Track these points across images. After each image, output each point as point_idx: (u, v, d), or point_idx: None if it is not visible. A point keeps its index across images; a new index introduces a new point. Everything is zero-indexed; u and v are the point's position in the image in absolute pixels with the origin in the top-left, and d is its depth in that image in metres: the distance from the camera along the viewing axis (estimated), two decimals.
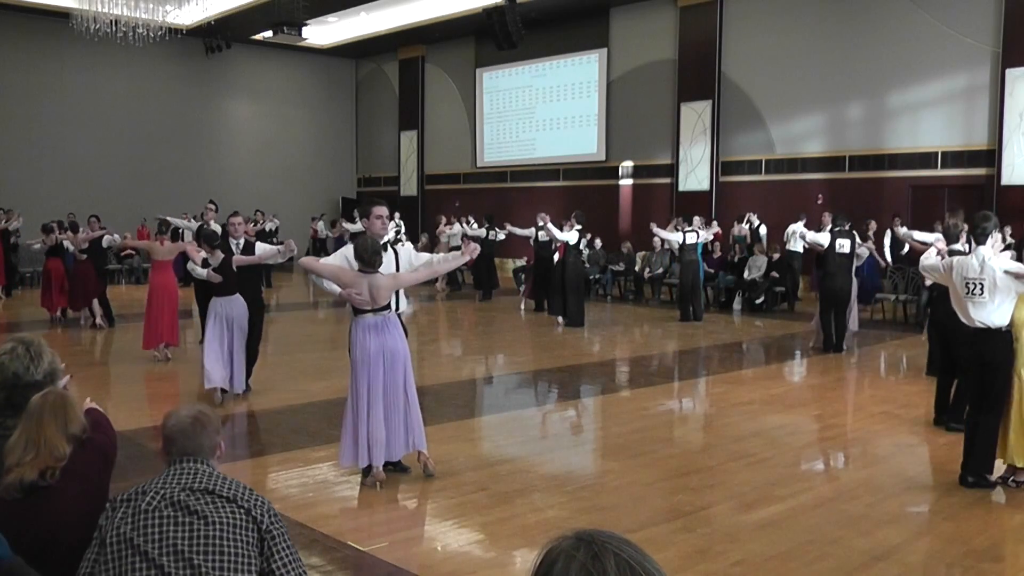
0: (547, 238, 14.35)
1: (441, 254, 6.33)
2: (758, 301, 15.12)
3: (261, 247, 8.48)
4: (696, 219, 14.41)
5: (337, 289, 5.43)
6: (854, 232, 10.84)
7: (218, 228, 12.35)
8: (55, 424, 2.59)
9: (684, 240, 13.70)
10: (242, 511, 2.37)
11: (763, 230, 17.07)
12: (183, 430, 2.49)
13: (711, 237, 14.99)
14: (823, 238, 10.83)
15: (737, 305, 15.66)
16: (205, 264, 7.99)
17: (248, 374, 8.24)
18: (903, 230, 11.03)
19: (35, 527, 2.46)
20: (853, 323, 11.24)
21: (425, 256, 6.04)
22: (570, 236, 13.30)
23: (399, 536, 4.74)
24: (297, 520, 4.73)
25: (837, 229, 10.79)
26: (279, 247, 8.33)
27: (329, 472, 5.82)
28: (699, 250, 14.14)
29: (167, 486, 2.39)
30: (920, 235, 10.34)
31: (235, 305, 7.96)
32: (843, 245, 10.57)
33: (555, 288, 13.86)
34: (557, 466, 6.04)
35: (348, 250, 5.55)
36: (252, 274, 8.40)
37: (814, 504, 5.18)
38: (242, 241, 8.34)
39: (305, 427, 7.01)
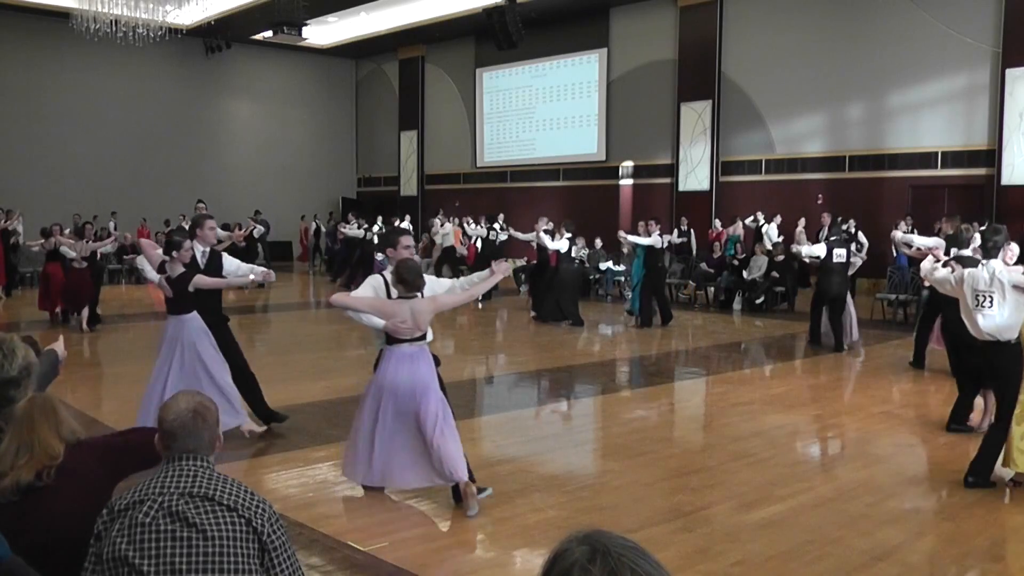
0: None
1: (464, 277, 5.73)
2: (758, 301, 15.12)
3: (231, 264, 6.88)
4: (651, 222, 13.96)
5: (379, 322, 5.00)
6: (849, 240, 11.03)
7: (219, 227, 12.38)
8: (47, 425, 2.54)
9: (662, 244, 13.57)
10: (242, 520, 2.31)
11: (766, 229, 17.03)
12: (183, 424, 2.39)
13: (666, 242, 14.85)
14: (819, 249, 11.03)
15: (737, 305, 15.65)
16: (163, 270, 6.45)
17: (260, 409, 6.86)
18: (899, 234, 11.03)
19: (33, 527, 2.44)
20: (854, 332, 11.22)
21: (446, 282, 5.63)
22: (561, 244, 13.44)
23: (399, 536, 4.73)
24: (297, 520, 4.73)
25: (833, 239, 11.04)
26: (255, 270, 6.89)
27: (329, 472, 5.81)
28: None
29: (165, 492, 2.32)
30: (920, 240, 10.38)
31: (185, 327, 6.39)
32: (840, 255, 10.84)
33: (542, 292, 13.84)
34: (557, 466, 6.04)
35: (374, 280, 5.21)
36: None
37: (814, 504, 5.17)
38: (207, 250, 6.76)
39: (305, 427, 7.00)
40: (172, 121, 25.05)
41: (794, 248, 12.53)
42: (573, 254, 14.34)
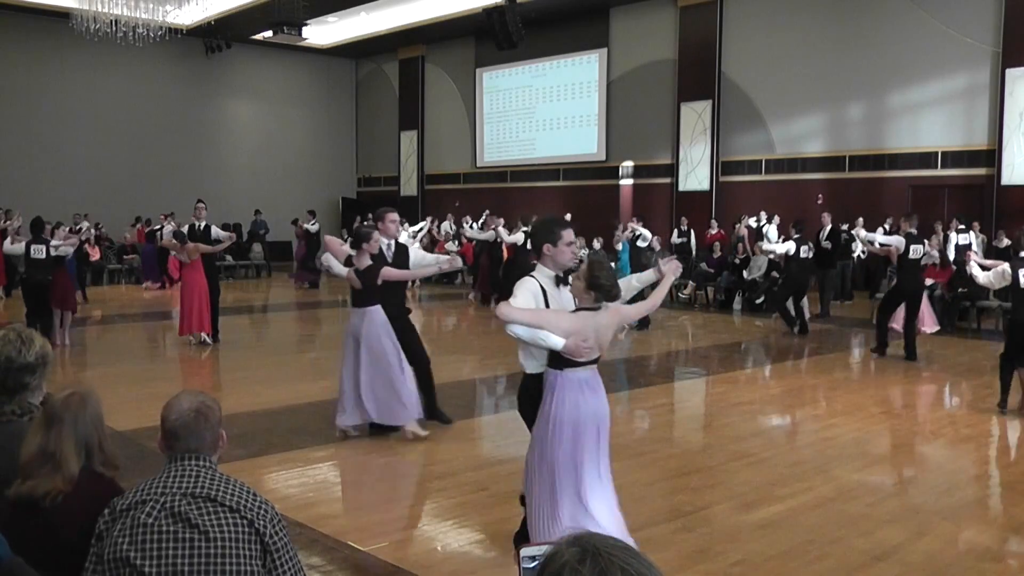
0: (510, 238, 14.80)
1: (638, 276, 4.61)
2: (758, 301, 15.12)
3: (416, 255, 6.94)
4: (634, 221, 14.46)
5: (556, 342, 3.77)
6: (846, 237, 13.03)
7: (218, 228, 12.31)
8: (74, 439, 2.49)
9: (651, 243, 13.81)
10: (244, 522, 2.30)
11: (766, 229, 17.02)
12: (185, 424, 2.38)
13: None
14: (788, 246, 12.44)
15: (737, 305, 15.66)
16: (348, 263, 6.50)
17: (430, 404, 6.86)
18: (863, 232, 11.42)
19: (33, 539, 2.40)
20: (805, 310, 12.76)
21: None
22: (517, 237, 13.71)
23: (399, 536, 4.73)
24: (297, 520, 4.73)
25: (798, 236, 12.42)
26: (440, 259, 7.02)
27: (329, 472, 5.82)
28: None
29: (167, 492, 2.31)
30: (881, 238, 11.07)
31: (366, 319, 6.42)
32: (805, 250, 12.49)
33: (500, 284, 14.33)
34: None
35: (531, 285, 4.05)
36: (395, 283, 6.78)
37: (814, 504, 5.17)
38: (393, 243, 6.77)
39: (305, 427, 7.01)
40: (172, 121, 25.04)
41: (765, 246, 13.47)
42: (529, 247, 14.79)
